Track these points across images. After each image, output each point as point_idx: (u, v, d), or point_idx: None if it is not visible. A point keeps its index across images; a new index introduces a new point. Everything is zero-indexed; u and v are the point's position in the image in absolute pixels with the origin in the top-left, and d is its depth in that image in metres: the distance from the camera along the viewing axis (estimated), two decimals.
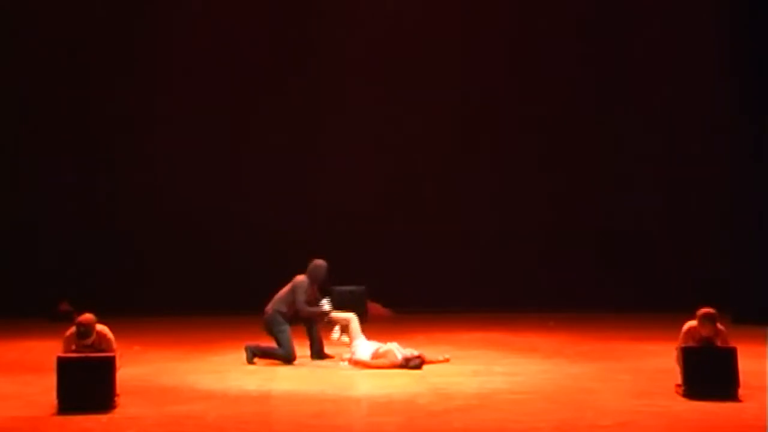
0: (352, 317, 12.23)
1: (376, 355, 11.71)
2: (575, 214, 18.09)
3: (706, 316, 9.86)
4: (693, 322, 9.98)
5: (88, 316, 9.71)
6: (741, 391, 9.64)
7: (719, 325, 9.95)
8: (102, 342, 9.76)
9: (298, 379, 11.11)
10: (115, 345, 9.83)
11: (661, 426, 8.80)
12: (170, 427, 8.80)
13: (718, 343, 9.93)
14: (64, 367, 9.37)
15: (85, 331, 9.61)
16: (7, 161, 17.89)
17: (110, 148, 18.10)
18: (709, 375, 9.65)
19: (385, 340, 12.01)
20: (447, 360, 12.12)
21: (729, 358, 9.70)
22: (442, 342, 13.57)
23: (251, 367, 11.88)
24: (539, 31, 18.41)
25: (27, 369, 11.70)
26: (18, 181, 17.88)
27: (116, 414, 9.27)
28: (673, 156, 18.09)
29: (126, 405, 9.55)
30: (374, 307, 17.03)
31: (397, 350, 11.73)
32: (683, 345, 9.93)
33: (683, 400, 9.64)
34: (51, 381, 9.49)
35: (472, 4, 18.49)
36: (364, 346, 11.88)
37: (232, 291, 17.32)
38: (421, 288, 17.58)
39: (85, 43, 18.07)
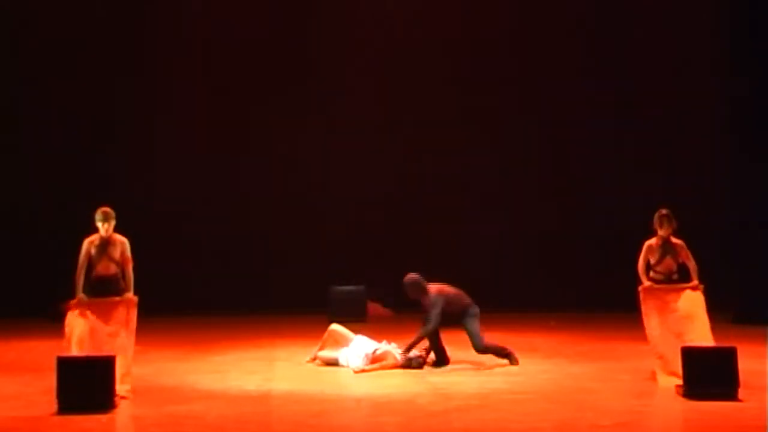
0: (330, 329, 12.12)
1: (374, 359, 11.63)
2: (575, 214, 18.09)
3: (663, 215, 10.80)
4: (651, 240, 10.80)
5: (108, 208, 10.38)
6: (741, 391, 9.63)
7: (679, 242, 10.74)
8: (118, 246, 10.45)
9: (298, 379, 11.10)
10: (128, 254, 10.55)
11: (661, 426, 8.80)
12: (170, 427, 8.79)
13: (680, 253, 10.78)
14: (64, 367, 9.37)
15: (104, 217, 10.24)
16: (7, 161, 17.89)
17: (110, 147, 18.10)
18: (709, 375, 9.65)
19: (381, 341, 11.98)
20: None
21: (729, 358, 9.70)
22: (443, 342, 13.51)
23: (251, 366, 11.88)
24: (539, 33, 18.42)
25: (27, 369, 11.70)
26: (18, 180, 17.86)
27: (116, 414, 9.27)
28: (674, 156, 18.09)
29: (126, 405, 9.55)
30: (374, 307, 17.02)
31: (396, 351, 11.71)
32: (646, 262, 11.06)
33: (683, 400, 9.64)
34: (51, 381, 9.49)
35: (472, 3, 18.52)
36: (356, 352, 11.75)
37: (232, 291, 17.32)
38: None
39: (85, 43, 18.07)
